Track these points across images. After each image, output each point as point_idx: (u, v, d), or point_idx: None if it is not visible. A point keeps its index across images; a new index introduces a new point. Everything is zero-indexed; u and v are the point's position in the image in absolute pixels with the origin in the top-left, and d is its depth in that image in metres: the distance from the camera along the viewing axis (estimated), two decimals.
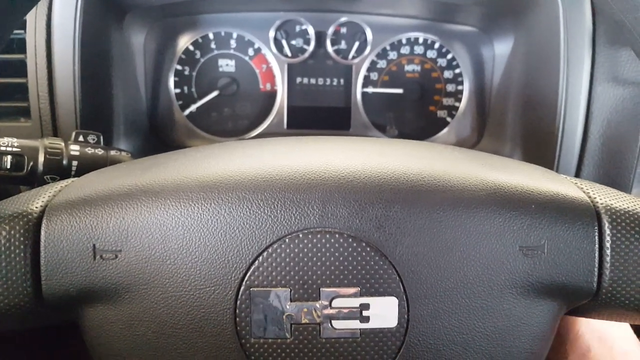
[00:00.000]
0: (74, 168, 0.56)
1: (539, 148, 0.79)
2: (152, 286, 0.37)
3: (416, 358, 0.37)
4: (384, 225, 0.37)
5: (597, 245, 0.38)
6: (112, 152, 0.59)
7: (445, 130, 0.99)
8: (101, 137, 0.60)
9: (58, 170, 0.55)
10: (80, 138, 0.59)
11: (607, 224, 0.38)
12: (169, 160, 0.43)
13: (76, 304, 0.38)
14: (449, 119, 0.99)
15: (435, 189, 0.38)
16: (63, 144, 0.56)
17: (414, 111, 0.98)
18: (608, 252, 0.38)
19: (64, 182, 0.42)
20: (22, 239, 0.36)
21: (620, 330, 0.61)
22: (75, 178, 0.43)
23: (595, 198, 0.40)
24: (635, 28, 0.37)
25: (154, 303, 0.37)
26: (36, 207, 0.38)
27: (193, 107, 0.96)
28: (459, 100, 0.98)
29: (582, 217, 0.38)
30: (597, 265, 0.38)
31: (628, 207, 0.39)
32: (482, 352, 0.38)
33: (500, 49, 0.91)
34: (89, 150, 0.57)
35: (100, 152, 0.58)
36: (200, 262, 0.36)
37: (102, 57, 0.79)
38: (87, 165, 0.56)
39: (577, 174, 0.75)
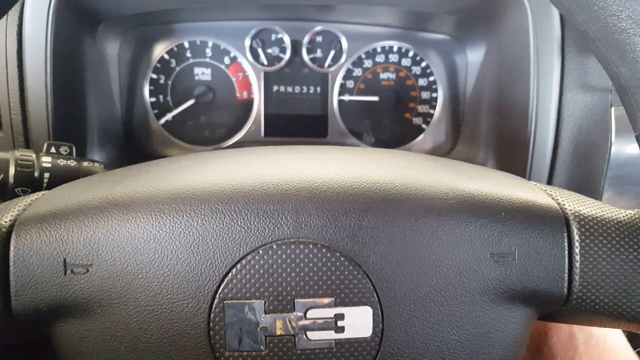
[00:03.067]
0: (45, 180, 0.55)
1: (512, 154, 0.80)
2: (124, 300, 0.36)
3: None
4: (358, 235, 0.37)
5: (566, 252, 0.38)
6: (85, 164, 0.58)
7: (420, 137, 1.00)
8: (74, 149, 0.59)
9: (29, 182, 0.54)
10: (53, 149, 0.58)
11: (575, 230, 0.39)
12: (141, 171, 0.43)
13: (47, 320, 0.38)
14: (424, 126, 1.00)
15: (407, 197, 0.38)
16: (34, 155, 0.55)
17: (389, 118, 0.99)
18: (577, 258, 0.38)
19: (34, 196, 0.41)
20: None
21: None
22: (46, 191, 0.43)
23: (564, 205, 0.40)
24: (598, 38, 0.38)
25: (126, 317, 0.36)
26: (5, 222, 0.37)
27: (169, 116, 0.96)
28: (434, 107, 0.99)
29: (551, 224, 0.39)
30: (567, 271, 0.38)
31: (596, 214, 0.40)
32: (457, 359, 0.38)
33: (473, 57, 0.92)
34: (61, 162, 0.56)
35: (72, 163, 0.57)
36: (172, 275, 0.36)
37: (75, 67, 0.78)
38: (60, 177, 0.55)
39: (549, 180, 0.76)
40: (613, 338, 0.60)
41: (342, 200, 0.37)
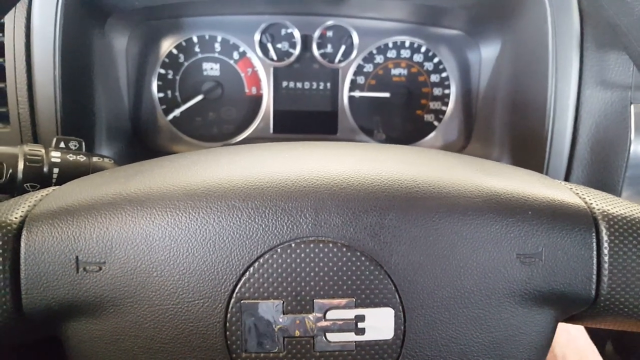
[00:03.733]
0: (54, 176, 0.54)
1: (528, 152, 0.79)
2: (138, 299, 0.35)
3: None
4: (379, 234, 0.36)
5: (595, 252, 0.37)
6: (95, 159, 0.57)
7: (432, 134, 0.99)
8: (83, 144, 0.58)
9: (38, 178, 0.53)
10: (62, 144, 0.57)
11: (604, 230, 0.37)
12: (155, 167, 0.42)
13: (58, 319, 0.37)
14: (436, 123, 0.99)
15: (430, 195, 0.37)
16: (43, 150, 0.54)
17: (400, 115, 0.98)
18: (606, 259, 0.37)
19: (44, 191, 0.41)
20: (0, 251, 0.35)
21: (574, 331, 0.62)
22: (56, 186, 0.42)
23: (592, 204, 0.39)
24: (630, 31, 0.37)
25: (140, 317, 0.36)
26: (15, 218, 0.36)
27: (177, 112, 0.95)
28: (446, 104, 0.98)
29: (579, 223, 0.38)
30: (595, 272, 0.37)
31: (625, 213, 0.38)
32: None
33: (487, 53, 0.91)
34: (71, 157, 0.55)
35: (82, 158, 0.56)
36: (188, 274, 0.35)
37: (83, 61, 0.77)
38: (69, 173, 0.54)
39: (566, 178, 0.75)
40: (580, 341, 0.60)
41: (363, 197, 0.36)
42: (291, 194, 0.36)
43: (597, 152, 0.74)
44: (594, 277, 0.37)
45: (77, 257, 0.35)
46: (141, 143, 0.93)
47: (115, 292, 0.35)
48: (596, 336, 0.78)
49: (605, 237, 0.37)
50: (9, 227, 0.36)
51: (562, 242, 0.37)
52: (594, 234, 0.37)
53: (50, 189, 0.41)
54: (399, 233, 0.36)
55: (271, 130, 0.97)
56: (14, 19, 0.70)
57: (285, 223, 0.35)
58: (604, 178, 0.74)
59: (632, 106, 0.72)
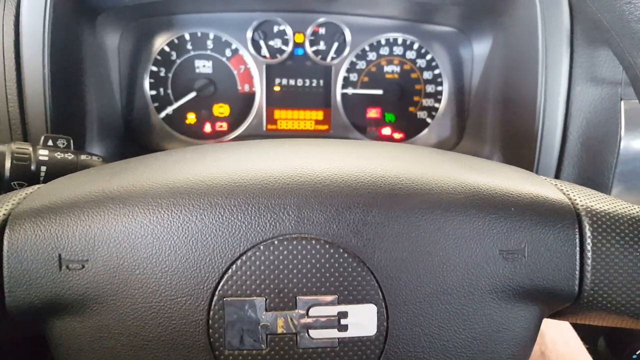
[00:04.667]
0: (42, 174, 0.54)
1: (519, 148, 0.79)
2: (121, 297, 0.35)
3: None
4: (362, 231, 0.36)
5: (578, 248, 0.37)
6: (83, 157, 0.57)
7: (425, 131, 0.99)
8: (71, 142, 0.58)
9: (26, 176, 0.53)
10: (50, 142, 0.57)
11: (587, 227, 0.37)
12: (139, 164, 0.42)
13: (42, 317, 0.37)
14: (429, 120, 0.99)
15: (413, 192, 0.37)
16: (31, 148, 0.54)
17: (393, 112, 0.98)
18: (589, 254, 0.37)
19: (29, 189, 0.41)
20: None
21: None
22: (42, 184, 0.42)
23: (575, 200, 0.39)
24: (612, 27, 0.37)
25: (123, 314, 0.36)
26: None
27: (169, 109, 0.95)
28: (439, 101, 0.98)
29: (562, 219, 0.38)
30: (578, 268, 0.37)
31: (608, 209, 0.38)
32: (463, 358, 0.37)
33: (479, 50, 0.91)
34: (59, 155, 0.55)
35: (70, 157, 0.56)
36: (170, 271, 0.35)
37: (73, 58, 0.77)
38: (57, 171, 0.54)
39: (557, 174, 0.75)
40: (574, 346, 0.60)
41: (346, 194, 0.36)
42: (274, 191, 0.36)
43: (588, 148, 0.74)
44: (577, 273, 0.37)
45: (59, 255, 0.35)
46: (133, 141, 0.93)
47: (98, 289, 0.35)
48: (588, 332, 0.78)
49: (588, 233, 0.37)
50: None
51: (545, 238, 0.37)
52: (577, 230, 0.38)
53: (35, 186, 0.41)
54: (381, 230, 0.36)
55: (264, 128, 0.97)
56: (2, 16, 0.70)
57: (268, 220, 0.35)
58: (594, 174, 0.74)
59: (622, 102, 0.72)
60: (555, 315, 0.41)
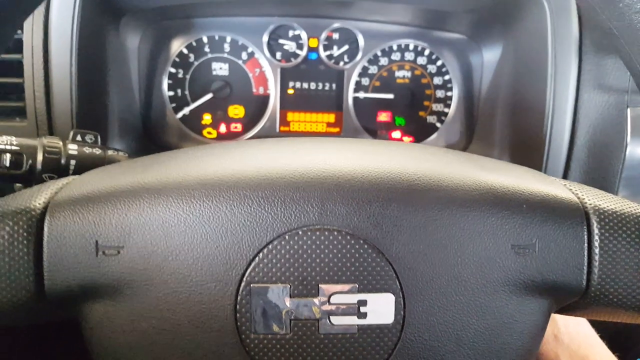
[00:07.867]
0: (72, 167, 0.56)
1: (527, 153, 0.81)
2: (153, 282, 0.37)
3: (411, 354, 0.38)
4: (381, 223, 0.38)
5: (585, 245, 0.39)
6: (110, 152, 0.59)
7: (434, 135, 1.00)
8: (99, 137, 0.61)
9: (56, 169, 0.55)
10: (78, 137, 0.59)
11: (595, 224, 0.39)
12: (170, 158, 0.44)
13: (78, 300, 0.38)
14: (438, 125, 1.00)
15: (430, 188, 0.39)
16: (61, 143, 0.56)
17: (404, 116, 1.00)
18: (597, 251, 0.39)
19: (65, 180, 0.43)
20: (25, 234, 0.37)
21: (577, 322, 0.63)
22: (76, 176, 0.44)
23: (584, 199, 0.41)
24: (622, 35, 0.38)
25: (155, 299, 0.37)
26: (39, 204, 0.38)
27: (186, 110, 0.97)
28: (448, 106, 1.00)
29: (571, 217, 0.39)
30: (586, 263, 0.39)
31: (615, 208, 0.40)
32: (475, 348, 0.39)
33: (489, 57, 0.93)
34: (87, 150, 0.57)
35: (98, 151, 0.58)
36: (201, 258, 0.37)
37: (98, 59, 0.79)
38: (85, 165, 0.57)
39: (564, 179, 0.76)
40: (585, 328, 0.61)
41: (367, 189, 0.38)
42: (299, 184, 0.38)
43: (594, 154, 0.76)
44: (585, 268, 0.39)
45: (96, 242, 0.37)
46: (151, 139, 0.95)
47: (132, 275, 0.37)
48: None
49: (596, 231, 0.39)
50: (33, 213, 0.37)
51: (554, 235, 0.39)
52: (585, 228, 0.39)
53: (70, 177, 0.43)
54: (400, 223, 0.38)
55: (277, 130, 0.99)
56: (32, 17, 0.72)
57: (293, 212, 0.37)
58: (600, 179, 0.76)
59: (629, 109, 0.73)
60: (564, 309, 0.43)
